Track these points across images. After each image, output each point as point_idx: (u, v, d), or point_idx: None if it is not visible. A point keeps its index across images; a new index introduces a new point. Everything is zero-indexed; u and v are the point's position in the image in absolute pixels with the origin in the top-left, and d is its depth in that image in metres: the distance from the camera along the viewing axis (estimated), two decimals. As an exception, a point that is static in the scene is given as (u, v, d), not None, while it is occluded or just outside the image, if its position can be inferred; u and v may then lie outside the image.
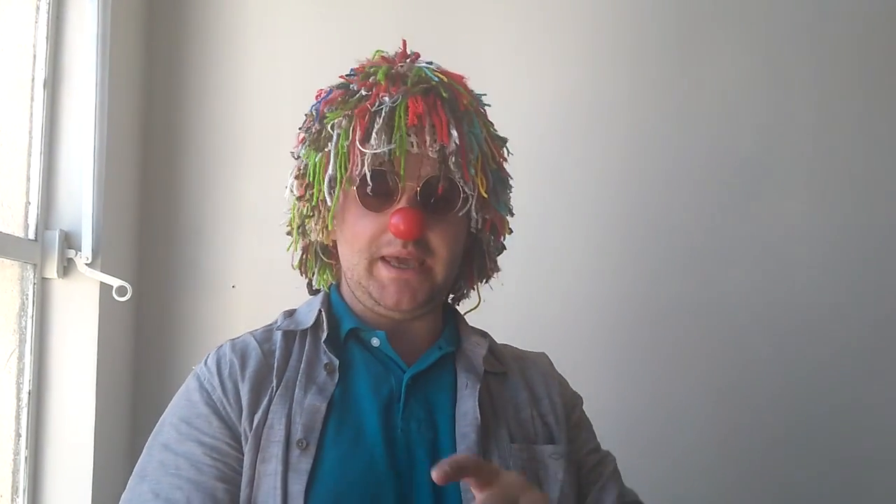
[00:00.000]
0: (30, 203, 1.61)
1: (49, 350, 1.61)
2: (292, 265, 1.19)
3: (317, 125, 1.08)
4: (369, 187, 1.03)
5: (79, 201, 1.62)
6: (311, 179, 1.07)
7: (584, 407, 1.21)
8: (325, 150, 1.06)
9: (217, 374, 1.06)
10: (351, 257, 1.08)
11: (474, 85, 1.14)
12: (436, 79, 1.06)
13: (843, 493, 1.72)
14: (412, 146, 1.03)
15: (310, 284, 1.21)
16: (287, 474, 0.99)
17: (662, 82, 1.84)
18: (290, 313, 1.15)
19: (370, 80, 1.06)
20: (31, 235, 1.60)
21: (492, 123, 1.14)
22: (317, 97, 1.11)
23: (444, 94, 1.05)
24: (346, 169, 1.04)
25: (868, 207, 1.78)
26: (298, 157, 1.12)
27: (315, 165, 1.07)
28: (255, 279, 1.81)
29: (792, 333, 1.75)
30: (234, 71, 1.88)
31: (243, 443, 1.02)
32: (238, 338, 1.12)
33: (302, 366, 1.07)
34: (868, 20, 1.82)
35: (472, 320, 1.21)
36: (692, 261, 1.79)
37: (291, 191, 1.13)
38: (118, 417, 1.72)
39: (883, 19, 1.82)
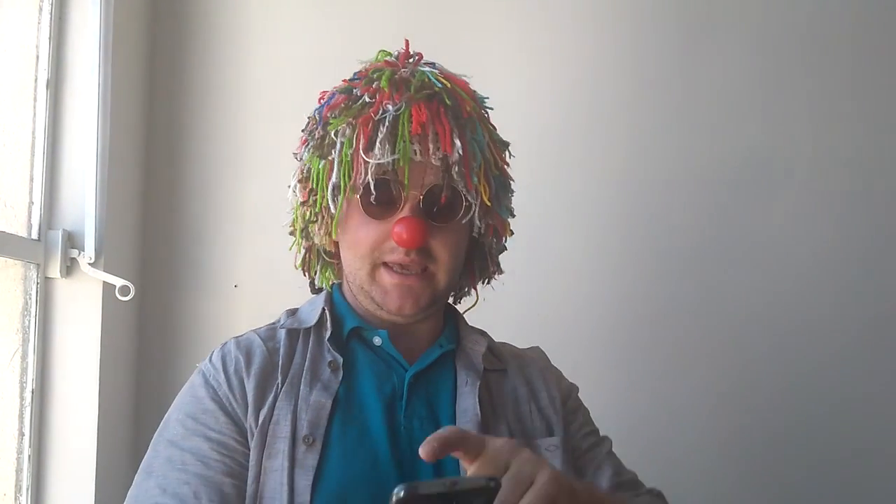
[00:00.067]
0: (33, 203, 1.61)
1: (52, 349, 1.61)
2: (295, 265, 1.20)
3: (320, 130, 1.08)
4: (373, 196, 1.04)
5: (82, 201, 1.63)
6: (314, 186, 1.08)
7: (586, 405, 1.22)
8: (329, 157, 1.06)
9: (223, 371, 1.06)
10: (353, 262, 1.09)
11: (476, 84, 1.14)
12: (439, 84, 1.06)
13: (844, 493, 1.72)
14: (415, 154, 1.03)
15: (312, 283, 1.22)
16: (294, 470, 1.00)
17: (663, 82, 1.84)
18: (293, 312, 1.16)
19: (373, 85, 1.06)
20: (35, 235, 1.60)
21: (494, 128, 1.14)
22: (319, 100, 1.12)
23: (448, 102, 1.05)
24: (349, 177, 1.04)
25: (868, 207, 1.78)
26: (301, 159, 1.12)
27: (319, 172, 1.07)
28: (258, 279, 1.81)
29: (792, 333, 1.76)
30: (237, 71, 1.88)
31: (249, 438, 1.03)
32: (242, 335, 1.12)
33: (306, 363, 1.08)
34: (869, 19, 1.82)
35: (473, 320, 1.21)
36: (692, 261, 1.79)
37: (294, 193, 1.13)
38: (121, 416, 1.73)
39: (884, 18, 1.82)
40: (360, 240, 1.07)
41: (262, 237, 1.81)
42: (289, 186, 1.14)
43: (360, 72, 1.11)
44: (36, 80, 1.63)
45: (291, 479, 1.00)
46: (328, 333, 1.10)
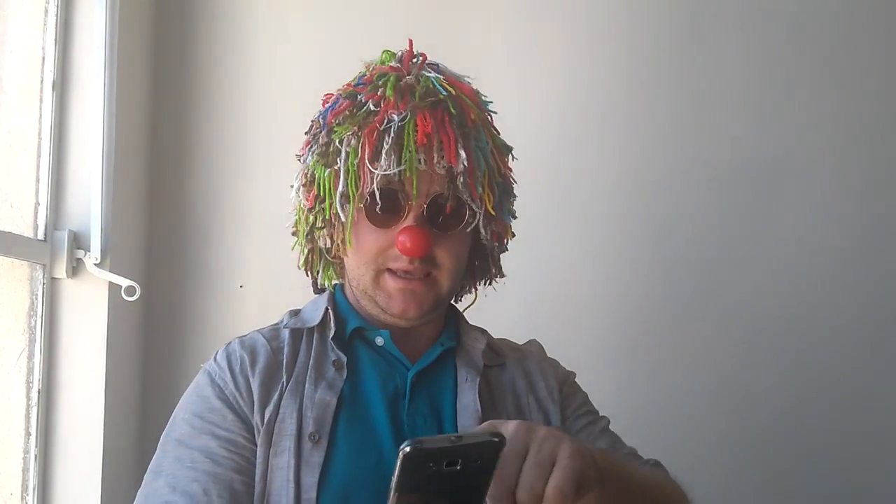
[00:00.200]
0: (39, 204, 1.62)
1: (58, 349, 1.62)
2: (298, 265, 1.20)
3: (324, 136, 1.08)
4: (378, 206, 1.04)
5: (87, 202, 1.64)
6: (321, 193, 1.08)
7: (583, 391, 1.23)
8: (335, 166, 1.06)
9: (228, 370, 1.07)
10: (357, 268, 1.09)
11: (479, 85, 1.14)
12: (444, 92, 1.06)
13: (845, 488, 1.72)
14: (420, 163, 1.04)
15: (315, 283, 1.23)
16: (300, 467, 1.01)
17: (662, 84, 1.84)
18: (296, 312, 1.17)
19: (378, 92, 1.06)
20: (41, 236, 1.61)
21: (497, 132, 1.15)
22: (323, 104, 1.12)
23: (453, 110, 1.05)
24: (356, 187, 1.05)
25: (869, 206, 1.78)
26: (305, 161, 1.13)
27: (324, 180, 1.07)
28: (263, 279, 1.82)
29: (792, 331, 1.76)
30: (242, 72, 1.89)
31: (256, 436, 1.03)
32: (246, 335, 1.13)
33: (311, 362, 1.09)
34: (870, 18, 1.82)
35: (475, 320, 1.22)
36: (691, 261, 1.79)
37: (297, 195, 1.14)
38: (127, 416, 1.73)
39: (884, 17, 1.82)
40: (364, 247, 1.08)
41: (268, 238, 1.81)
42: (291, 186, 1.15)
43: (364, 76, 1.11)
44: (42, 81, 1.64)
45: (298, 477, 1.00)
46: (332, 333, 1.11)
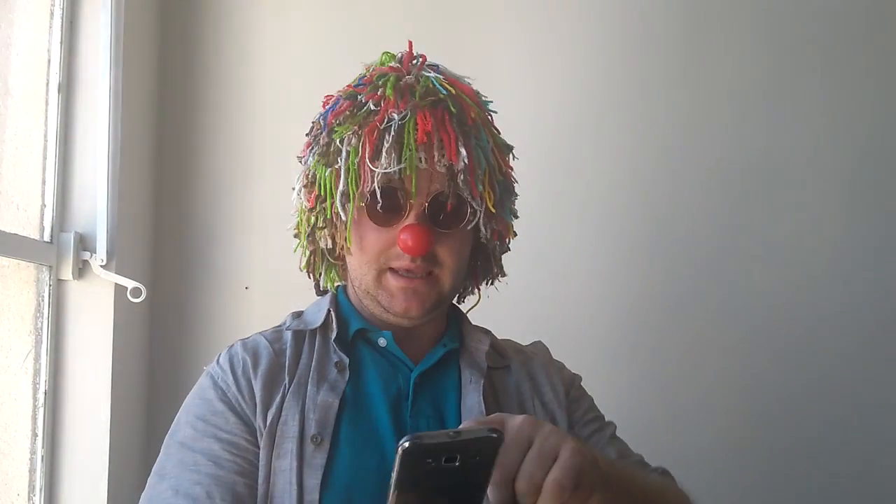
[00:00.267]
0: (45, 206, 1.63)
1: (65, 351, 1.63)
2: (300, 267, 1.20)
3: (325, 136, 1.09)
4: (379, 204, 1.05)
5: (93, 204, 1.64)
6: (321, 193, 1.08)
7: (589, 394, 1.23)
8: (335, 165, 1.06)
9: (230, 372, 1.07)
10: (359, 268, 1.10)
11: (481, 87, 1.14)
12: (444, 91, 1.06)
13: (858, 493, 1.72)
14: (421, 161, 1.04)
15: (317, 285, 1.23)
16: (302, 469, 1.01)
17: (670, 83, 1.84)
18: (299, 314, 1.17)
19: (378, 92, 1.06)
20: (47, 238, 1.62)
21: (498, 131, 1.15)
22: (324, 105, 1.12)
23: (453, 109, 1.05)
24: (357, 186, 1.05)
25: (879, 206, 1.78)
26: (305, 163, 1.13)
27: (325, 180, 1.08)
28: (268, 280, 1.82)
29: (803, 333, 1.76)
30: (247, 73, 1.89)
31: (259, 438, 1.04)
32: (248, 338, 1.13)
33: (313, 363, 1.09)
34: (878, 17, 1.81)
35: (480, 320, 1.22)
36: (700, 261, 1.79)
37: (299, 196, 1.14)
38: (133, 417, 1.74)
39: (893, 15, 1.81)
40: (366, 246, 1.08)
41: (273, 239, 1.81)
42: (293, 188, 1.15)
43: (364, 77, 1.11)
44: (48, 83, 1.65)
45: (300, 479, 1.00)
46: (334, 334, 1.11)
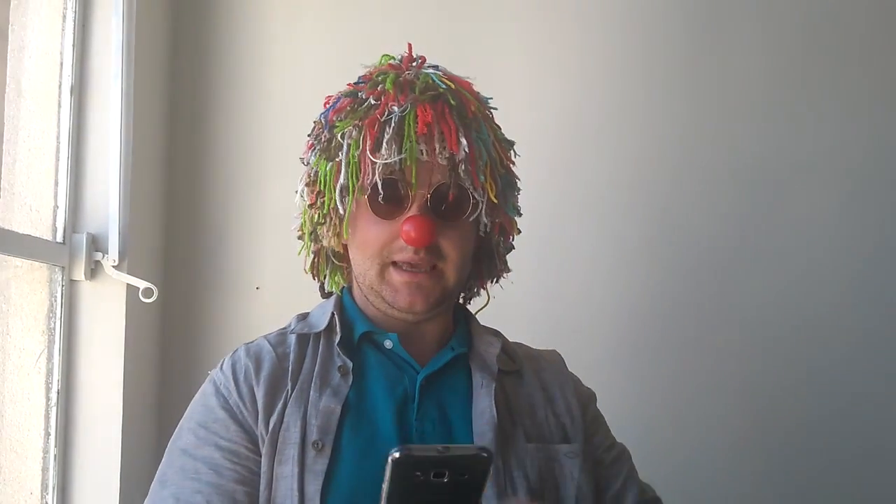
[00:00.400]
0: (58, 207, 1.64)
1: (77, 350, 1.64)
2: (304, 269, 1.21)
3: (326, 134, 1.09)
4: (380, 196, 1.05)
5: (105, 205, 1.65)
6: (322, 188, 1.09)
7: (597, 405, 1.22)
8: (336, 159, 1.07)
9: (233, 379, 1.08)
10: (363, 263, 1.09)
11: (486, 83, 1.14)
12: (443, 86, 1.07)
13: (860, 492, 1.71)
14: (422, 154, 1.04)
15: (322, 287, 1.23)
16: (303, 475, 1.01)
17: (673, 82, 1.83)
18: (304, 316, 1.17)
19: (378, 88, 1.07)
20: (60, 238, 1.63)
21: (499, 127, 1.15)
22: (325, 105, 1.13)
23: (453, 102, 1.06)
24: (357, 178, 1.05)
25: (881, 207, 1.77)
26: (308, 163, 1.13)
27: (326, 174, 1.08)
28: (279, 281, 1.83)
29: (806, 332, 1.75)
30: (258, 75, 1.90)
31: (260, 445, 1.04)
32: (252, 342, 1.13)
33: (316, 368, 1.09)
34: (881, 17, 1.80)
35: (486, 319, 1.21)
36: (704, 260, 1.79)
37: (302, 197, 1.14)
38: (145, 416, 1.75)
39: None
40: (368, 240, 1.08)
41: (284, 239, 1.78)
42: (296, 191, 1.15)
43: (364, 75, 1.12)
44: (60, 85, 1.66)
45: (301, 485, 1.00)
46: (338, 338, 1.11)
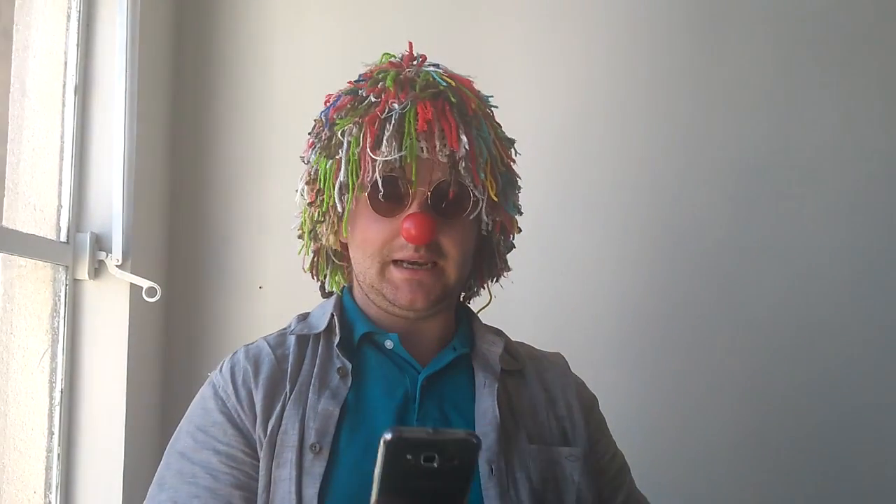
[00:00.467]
0: (62, 206, 1.64)
1: (81, 350, 1.64)
2: (304, 268, 1.21)
3: (326, 131, 1.09)
4: (381, 193, 1.05)
5: (109, 204, 1.65)
6: (321, 185, 1.09)
7: (600, 407, 1.22)
8: (336, 156, 1.07)
9: (231, 382, 1.07)
10: (363, 261, 1.09)
11: (488, 82, 1.14)
12: (444, 83, 1.07)
13: (864, 494, 1.70)
14: (422, 151, 1.04)
15: (322, 287, 1.23)
16: (301, 478, 1.01)
17: (679, 81, 1.83)
18: (304, 317, 1.17)
19: (379, 85, 1.07)
20: (63, 238, 1.63)
21: (499, 125, 1.15)
22: (325, 103, 1.13)
23: (453, 99, 1.06)
24: (357, 176, 1.05)
25: (887, 205, 1.76)
26: (308, 161, 1.13)
27: (326, 172, 1.08)
28: (282, 280, 1.83)
29: (811, 332, 1.74)
30: (262, 74, 1.90)
31: (258, 449, 1.04)
32: (252, 343, 1.13)
33: (315, 370, 1.08)
34: (887, 12, 1.79)
35: (489, 319, 1.21)
36: (708, 259, 1.78)
37: (302, 195, 1.14)
38: (148, 415, 1.75)
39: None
40: (369, 238, 1.08)
41: (287, 239, 1.77)
42: (296, 190, 1.15)
43: (364, 73, 1.12)
44: (64, 85, 1.66)
45: (299, 488, 1.00)
46: (337, 339, 1.10)
